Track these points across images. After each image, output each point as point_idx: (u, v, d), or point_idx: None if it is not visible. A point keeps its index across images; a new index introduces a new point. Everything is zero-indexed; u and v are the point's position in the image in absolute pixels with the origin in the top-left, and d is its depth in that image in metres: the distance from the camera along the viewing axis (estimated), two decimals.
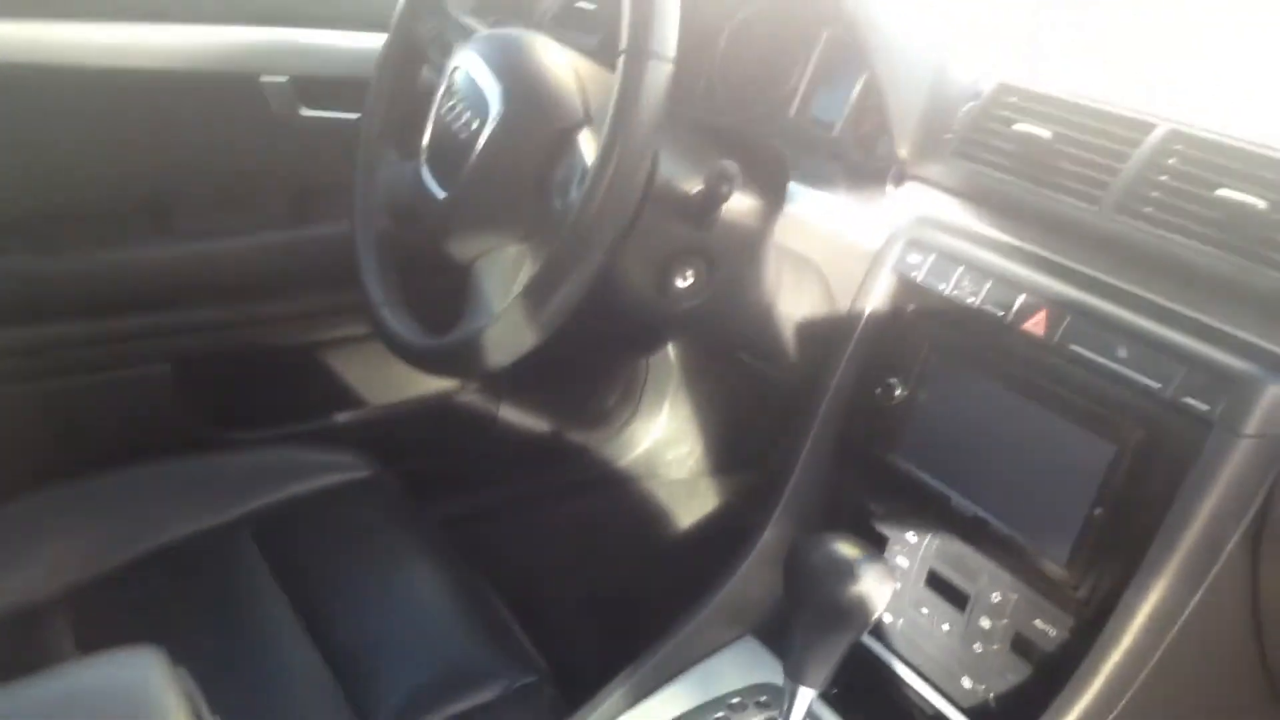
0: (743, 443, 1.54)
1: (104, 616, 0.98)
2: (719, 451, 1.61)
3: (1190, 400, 0.67)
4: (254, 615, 1.00)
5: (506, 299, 0.83)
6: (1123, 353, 0.70)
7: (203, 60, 1.13)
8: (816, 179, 0.97)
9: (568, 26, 1.20)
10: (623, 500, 1.60)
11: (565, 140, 0.85)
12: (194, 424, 1.27)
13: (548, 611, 1.23)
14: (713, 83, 1.13)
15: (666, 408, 1.66)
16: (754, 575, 0.91)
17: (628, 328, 1.20)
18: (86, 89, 1.09)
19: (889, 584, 0.75)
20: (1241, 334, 0.68)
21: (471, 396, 1.46)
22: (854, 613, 0.73)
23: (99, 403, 1.21)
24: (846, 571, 0.74)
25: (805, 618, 0.75)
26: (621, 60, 0.74)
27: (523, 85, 0.87)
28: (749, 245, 0.96)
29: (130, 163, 1.15)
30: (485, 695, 0.93)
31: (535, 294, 0.80)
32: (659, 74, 0.73)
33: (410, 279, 1.01)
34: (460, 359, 0.87)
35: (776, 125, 1.06)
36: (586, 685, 0.92)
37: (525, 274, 0.85)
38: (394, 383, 1.38)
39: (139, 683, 0.54)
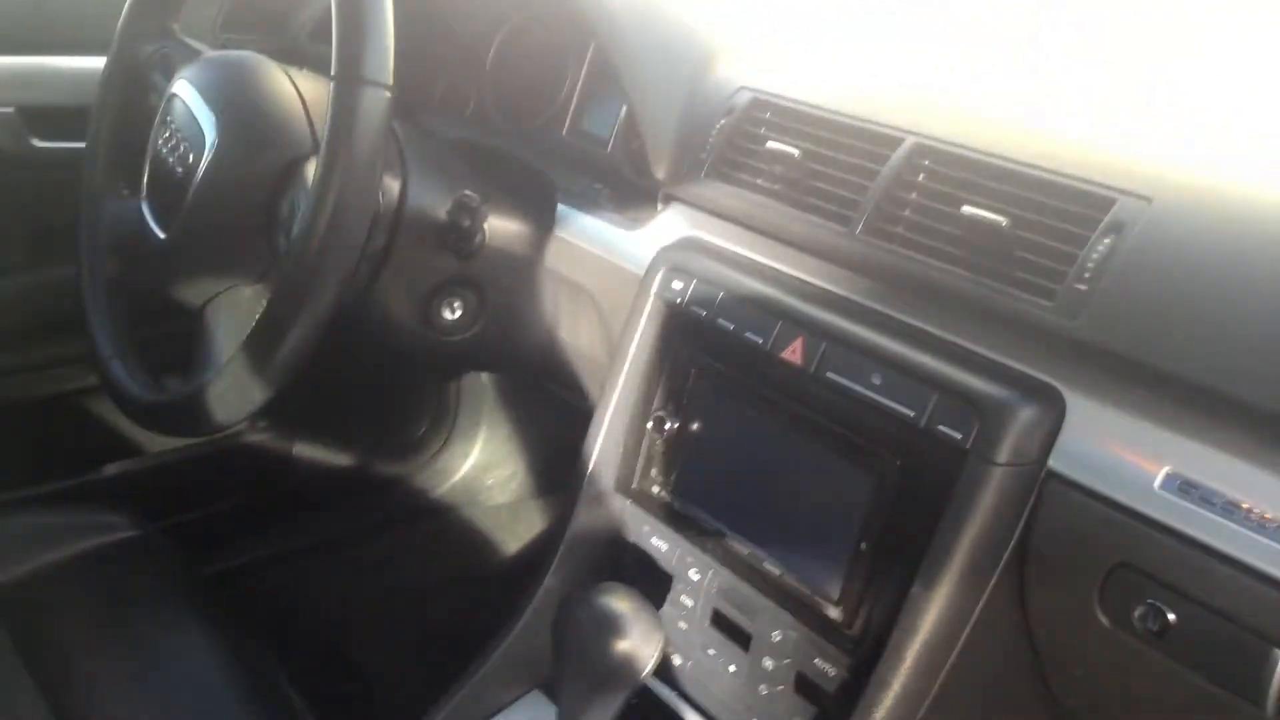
0: (564, 464, 1.49)
1: None
2: (542, 473, 1.55)
3: (944, 429, 0.64)
4: None
5: (233, 348, 0.75)
6: (877, 380, 0.67)
7: None
8: (586, 201, 0.92)
9: (326, 42, 1.12)
10: (442, 531, 1.53)
11: (292, 172, 0.77)
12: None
13: (348, 668, 1.16)
14: (484, 101, 1.07)
15: (483, 431, 1.60)
16: (538, 626, 0.85)
17: (402, 362, 1.13)
18: None
19: (657, 637, 0.71)
20: (993, 356, 0.66)
21: (258, 436, 1.36)
22: (622, 671, 0.68)
23: None
24: (612, 628, 0.69)
25: (572, 678, 0.70)
26: (332, 87, 0.68)
27: (239, 114, 0.79)
28: (518, 272, 0.90)
29: None
30: None
31: (259, 345, 0.72)
32: (374, 101, 0.67)
33: (144, 325, 0.91)
34: (186, 417, 0.78)
35: (549, 144, 1.01)
36: None
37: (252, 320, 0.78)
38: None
39: None
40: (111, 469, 1.24)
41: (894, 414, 0.66)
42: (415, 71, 1.07)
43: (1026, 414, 0.62)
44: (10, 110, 1.06)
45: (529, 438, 1.54)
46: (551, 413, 1.44)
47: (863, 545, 0.69)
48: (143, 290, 0.87)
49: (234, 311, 0.80)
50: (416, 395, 1.53)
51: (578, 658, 0.70)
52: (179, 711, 0.91)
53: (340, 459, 1.47)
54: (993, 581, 0.65)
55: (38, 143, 1.08)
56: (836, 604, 0.71)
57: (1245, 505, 0.54)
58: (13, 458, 1.20)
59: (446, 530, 1.52)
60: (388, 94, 0.67)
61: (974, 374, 0.64)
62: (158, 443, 1.27)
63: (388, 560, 1.45)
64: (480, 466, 1.60)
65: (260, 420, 1.36)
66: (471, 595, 1.35)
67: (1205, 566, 0.55)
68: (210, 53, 0.86)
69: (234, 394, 0.74)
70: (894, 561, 0.67)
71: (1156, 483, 0.57)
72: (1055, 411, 0.62)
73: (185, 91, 0.81)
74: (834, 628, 0.72)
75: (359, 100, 0.66)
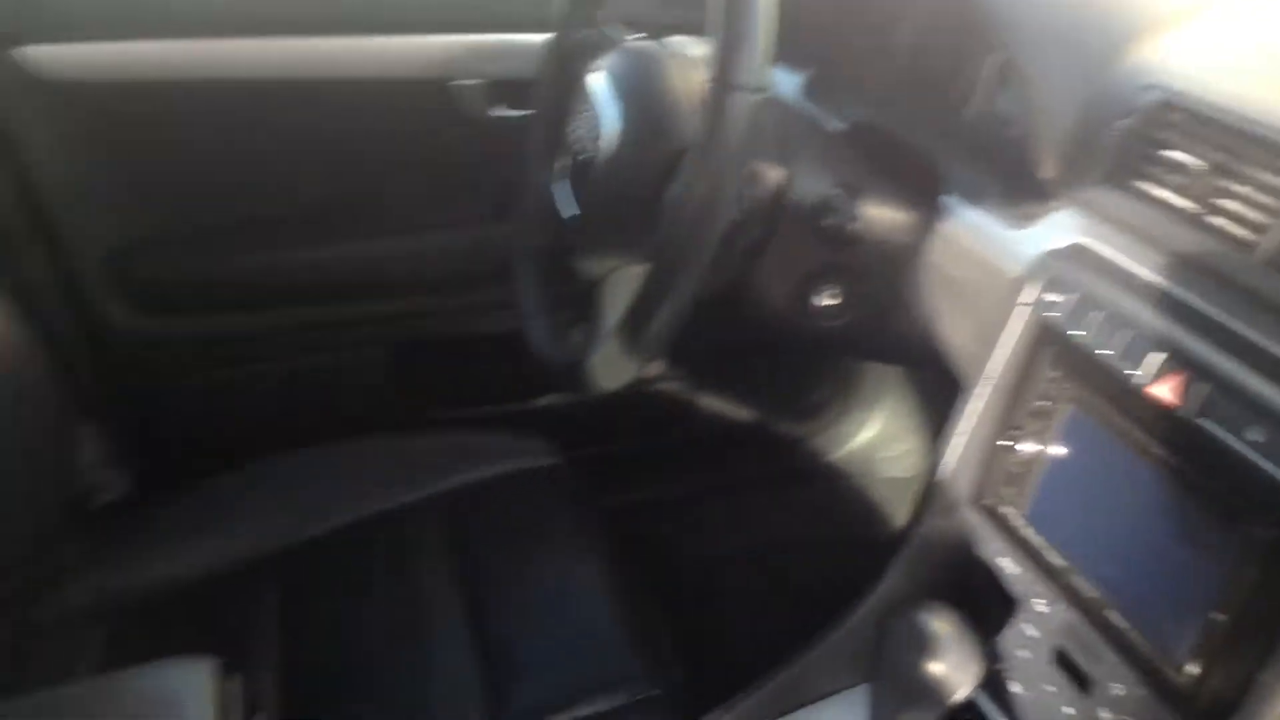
0: None
1: (307, 578, 1.09)
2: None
3: None
4: (423, 588, 1.07)
5: (615, 322, 0.83)
6: (1260, 436, 0.59)
7: (400, 68, 1.20)
8: (972, 194, 0.88)
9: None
10: (828, 495, 1.56)
11: (679, 162, 0.82)
12: (406, 403, 1.37)
13: (716, 608, 1.23)
14: (888, 80, 1.05)
15: (885, 403, 1.59)
16: (870, 622, 0.86)
17: (778, 340, 1.15)
18: (304, 99, 1.19)
19: (974, 668, 0.69)
20: None
21: (669, 385, 1.47)
22: (932, 693, 0.68)
23: (319, 382, 1.33)
24: (930, 649, 0.68)
25: (885, 689, 0.70)
26: (709, 90, 0.71)
27: (641, 104, 0.85)
28: (893, 263, 0.89)
29: (346, 165, 1.25)
30: (608, 703, 0.95)
31: (632, 322, 0.79)
32: (744, 105, 0.69)
33: (562, 284, 1.02)
34: (577, 378, 0.88)
35: (949, 128, 0.97)
36: (715, 700, 0.91)
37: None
38: None
39: (179, 693, 0.60)
40: (538, 402, 1.41)
41: (1274, 480, 0.57)
42: (825, 48, 1.08)
43: None
44: (474, 82, 1.23)
45: (931, 418, 1.51)
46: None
47: (1219, 615, 0.61)
48: (556, 258, 0.97)
49: (623, 288, 0.88)
50: (818, 360, 1.56)
51: (892, 670, 0.70)
52: (562, 621, 1.03)
53: (739, 413, 1.54)
54: None
55: (495, 111, 1.24)
56: (1184, 670, 0.64)
57: None
58: (458, 383, 1.41)
59: (833, 495, 1.54)
60: (759, 97, 0.70)
61: None
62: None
63: (770, 515, 1.51)
64: (878, 438, 1.60)
65: (672, 369, 1.47)
66: (845, 563, 1.38)
67: None
68: (625, 43, 0.93)
69: (613, 364, 0.81)
70: (1254, 638, 0.59)
71: None
72: None
73: (599, 79, 0.89)
74: (1180, 695, 0.65)
75: (730, 104, 0.69)
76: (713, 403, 1.51)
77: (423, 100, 1.24)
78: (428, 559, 1.10)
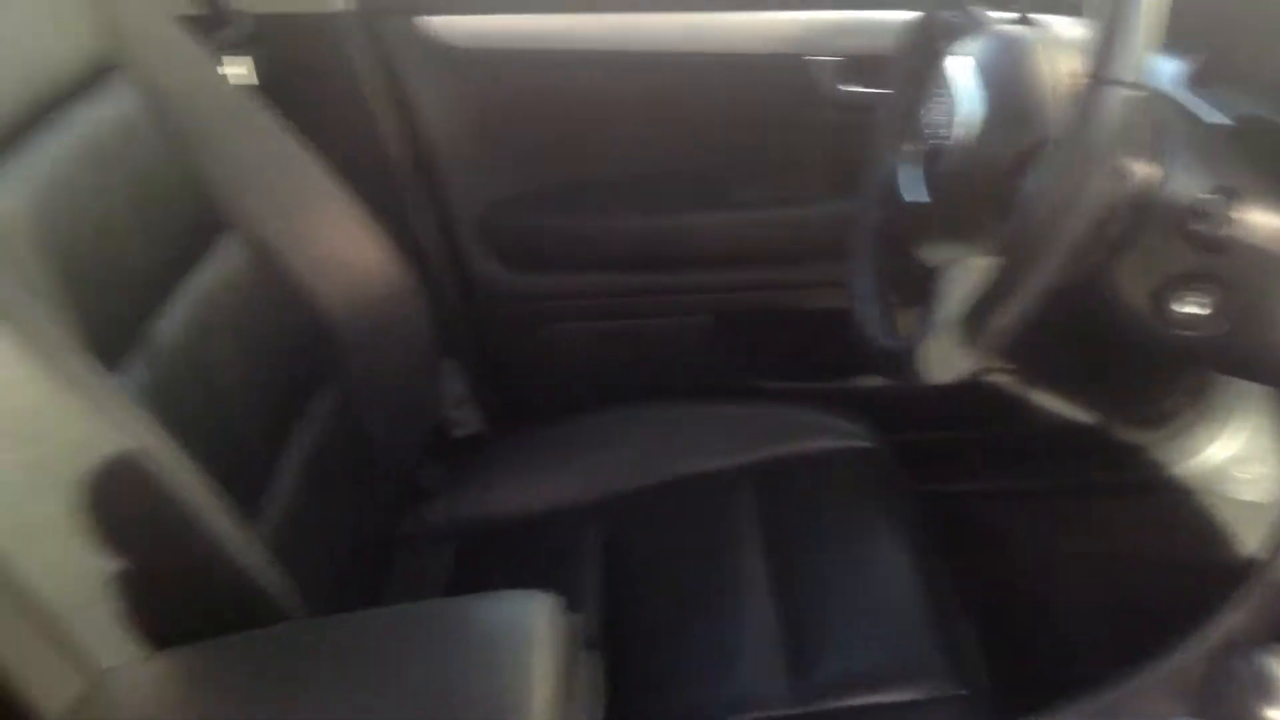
0: None
1: (624, 528, 1.16)
2: None
3: None
4: (732, 554, 1.11)
5: (956, 313, 0.82)
6: None
7: (754, 43, 1.23)
8: None
9: None
10: (1166, 509, 1.44)
11: (1037, 153, 0.79)
12: (727, 372, 1.41)
13: (1021, 617, 1.19)
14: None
15: (1243, 418, 1.45)
16: (1204, 654, 0.80)
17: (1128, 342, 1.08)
18: (660, 72, 1.26)
19: None
20: None
21: (1001, 377, 1.42)
22: None
23: (649, 344, 1.40)
24: (1273, 696, 0.63)
25: None
26: (1084, 83, 0.68)
27: (1004, 94, 0.82)
28: (1273, 273, 0.81)
29: (691, 136, 1.30)
30: (912, 694, 0.95)
31: (972, 317, 0.77)
32: (1116, 101, 0.66)
33: (896, 269, 1.02)
34: (904, 367, 0.87)
35: None
36: (1018, 711, 0.89)
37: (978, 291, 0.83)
38: None
39: (517, 623, 0.67)
40: (857, 382, 1.41)
41: None
42: (1216, 33, 0.99)
43: None
44: (828, 58, 1.24)
45: None
46: None
47: None
48: (896, 242, 0.97)
49: (964, 278, 0.86)
50: (1171, 366, 1.44)
51: (1225, 713, 0.65)
52: (869, 603, 1.03)
53: (1076, 412, 1.46)
54: None
55: (843, 87, 1.25)
56: None
57: None
58: (777, 357, 1.43)
59: (1172, 510, 1.43)
60: (1137, 95, 0.66)
61: None
62: None
63: (1100, 523, 1.42)
64: (1232, 456, 1.46)
65: (1007, 360, 1.42)
66: (1180, 585, 1.28)
67: None
68: (994, 26, 0.90)
69: (947, 356, 0.81)
70: None
71: None
72: None
73: (962, 63, 0.87)
74: None
75: (1103, 100, 0.66)
76: (1048, 399, 1.44)
77: (771, 75, 1.26)
78: (738, 526, 1.14)
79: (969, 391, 1.41)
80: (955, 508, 1.28)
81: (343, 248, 1.14)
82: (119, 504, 0.71)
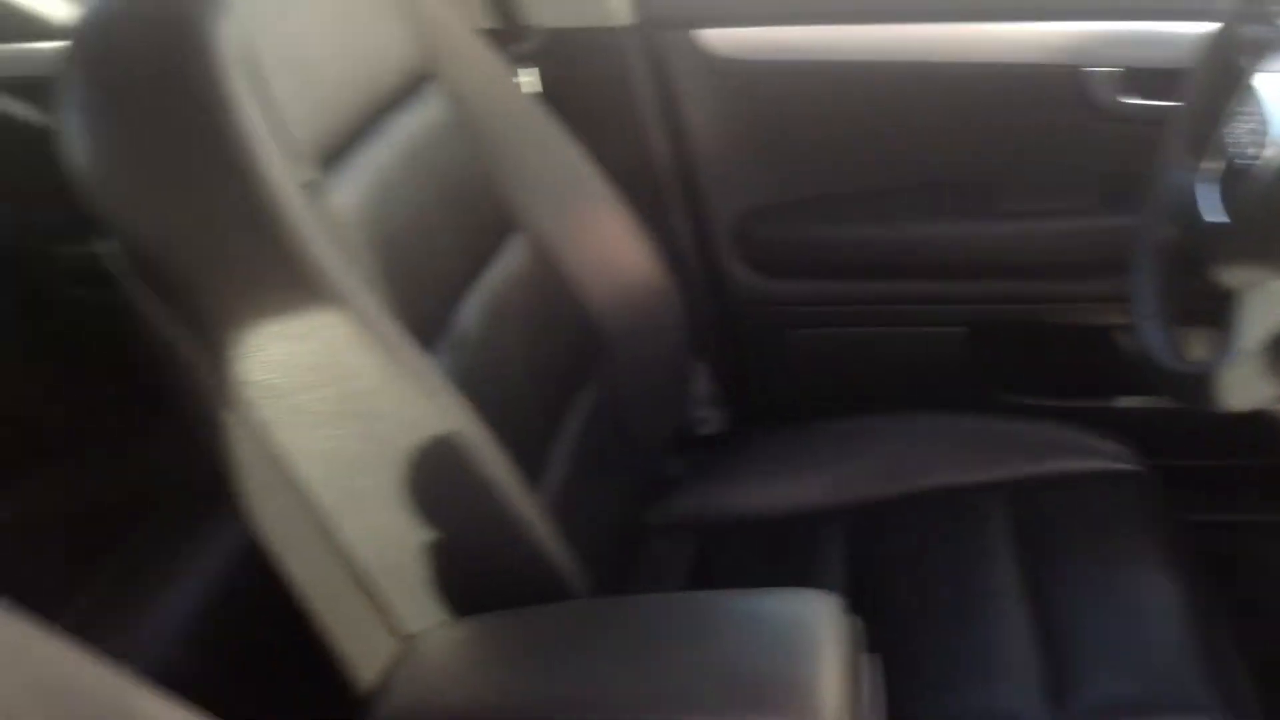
0: None
1: (868, 535, 1.16)
2: None
3: None
4: (983, 570, 1.09)
5: (1260, 340, 0.78)
6: None
7: (1031, 54, 1.21)
8: None
9: None
10: None
11: None
12: (978, 385, 1.39)
13: None
14: None
15: None
16: None
17: None
18: (928, 82, 1.25)
19: None
20: None
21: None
22: None
23: (898, 354, 1.40)
24: None
25: None
26: None
27: None
28: None
29: (954, 147, 1.29)
30: None
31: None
32: None
33: (1184, 288, 0.98)
34: (1197, 392, 0.84)
35: None
36: None
37: None
38: None
39: (804, 619, 0.69)
40: (1118, 403, 1.36)
41: None
42: None
43: None
44: (1115, 70, 1.20)
45: None
46: None
47: None
48: (1186, 261, 0.93)
49: (1269, 303, 0.82)
50: None
51: None
52: (1131, 629, 0.99)
53: None
54: None
55: (1124, 99, 1.20)
56: None
57: None
58: (1033, 372, 1.39)
59: None
60: None
61: None
62: None
63: None
64: None
65: None
66: None
67: None
68: None
69: (1248, 383, 0.77)
70: None
71: None
72: None
73: (1270, 81, 0.83)
74: None
75: None
76: None
77: (1043, 85, 1.24)
78: (989, 542, 1.12)
79: (1248, 418, 1.34)
80: (1228, 539, 1.21)
81: (612, 251, 1.20)
82: (438, 479, 0.78)
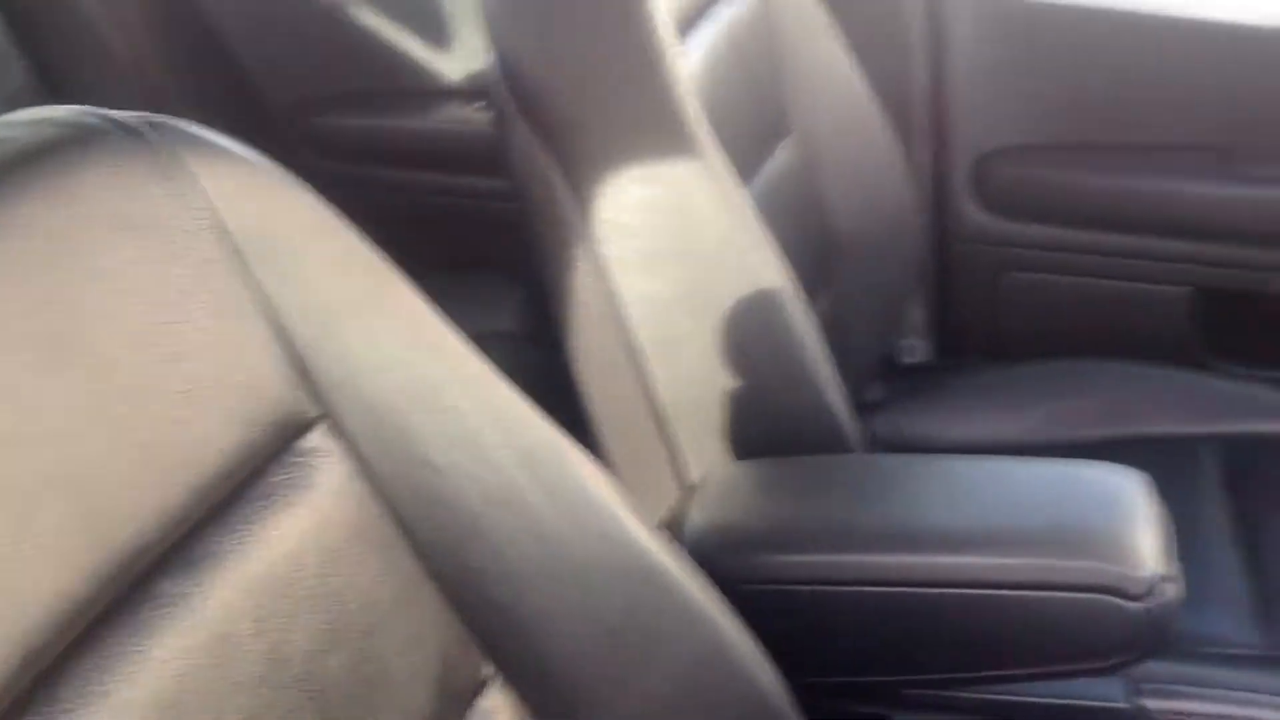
0: None
1: None
2: None
3: None
4: (1194, 513, 1.11)
5: None
6: None
7: None
8: None
9: None
10: None
11: None
12: (1196, 347, 1.41)
13: None
14: None
15: None
16: None
17: None
18: (1187, 39, 1.27)
19: None
20: None
21: None
22: None
23: (1117, 308, 1.42)
24: None
25: None
26: None
27: None
28: None
29: (1209, 107, 1.30)
30: None
31: None
32: None
33: None
34: None
35: None
36: None
37: None
38: None
39: (1122, 485, 0.73)
40: None
41: None
42: None
43: None
44: None
45: None
46: None
47: None
48: None
49: None
50: None
51: None
52: None
53: None
54: None
55: None
56: None
57: None
58: (1263, 341, 1.40)
59: None
60: None
61: None
62: None
63: None
64: None
65: None
66: None
67: None
68: None
69: None
70: None
71: None
72: None
73: None
74: None
75: None
76: None
77: None
78: (1201, 487, 1.15)
79: None
80: None
81: (864, 166, 1.25)
82: (749, 325, 0.85)
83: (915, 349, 1.50)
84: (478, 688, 0.52)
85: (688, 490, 0.87)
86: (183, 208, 0.46)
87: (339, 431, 0.49)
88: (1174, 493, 1.14)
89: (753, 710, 0.60)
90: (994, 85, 1.36)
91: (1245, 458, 1.18)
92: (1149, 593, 0.67)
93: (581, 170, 0.80)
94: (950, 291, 1.49)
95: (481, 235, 1.25)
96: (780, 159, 1.14)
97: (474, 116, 1.49)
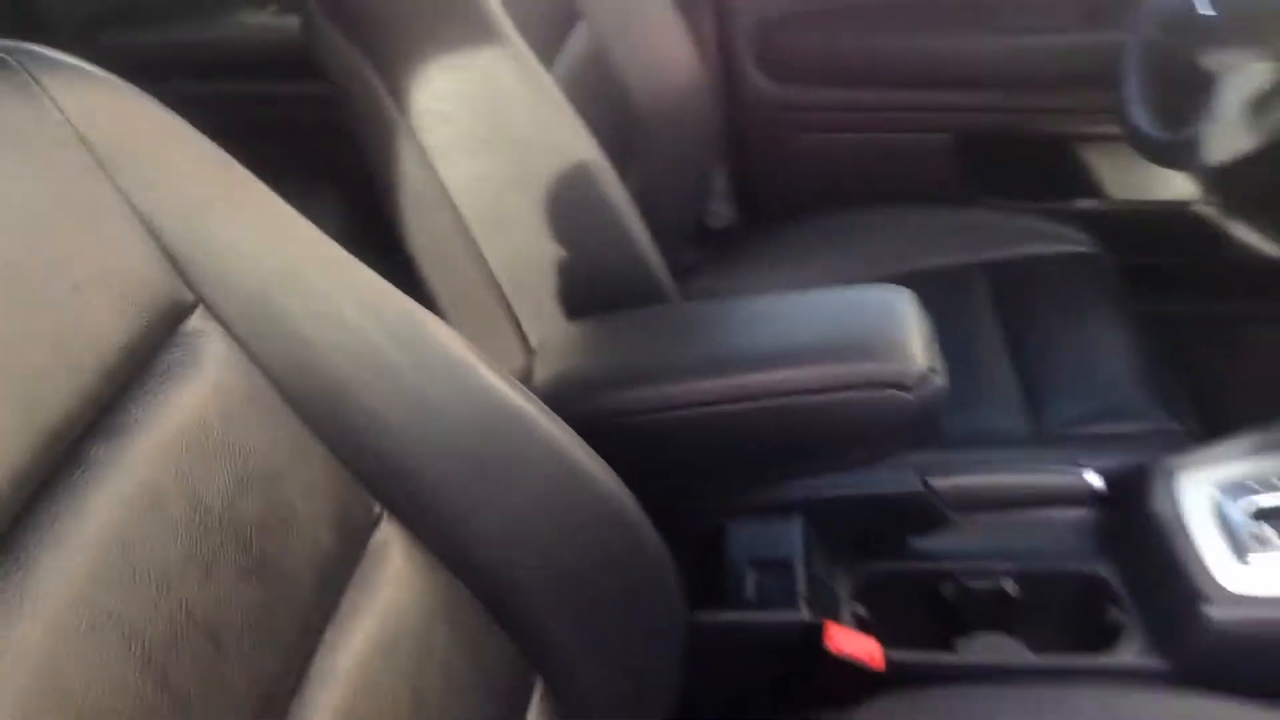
0: None
1: None
2: None
3: None
4: (969, 332, 1.29)
5: (1237, 106, 0.97)
6: None
7: None
8: None
9: None
10: None
11: None
12: (962, 186, 1.58)
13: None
14: None
15: None
16: None
17: None
18: None
19: None
20: None
21: (1207, 210, 1.55)
22: None
23: (892, 157, 1.57)
24: None
25: None
26: None
27: None
28: None
29: None
30: (1133, 427, 1.12)
31: (1258, 101, 0.93)
32: None
33: (1165, 84, 1.16)
34: (1181, 151, 1.03)
35: None
36: None
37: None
38: (1132, 182, 1.54)
39: (894, 300, 0.87)
40: (1084, 203, 1.57)
41: None
42: None
43: None
44: None
45: None
46: None
47: None
48: (1175, 55, 1.11)
49: (1246, 77, 1.01)
50: None
51: None
52: (1092, 364, 1.20)
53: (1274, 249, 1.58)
54: None
55: None
56: None
57: None
58: (1017, 177, 1.58)
59: None
60: None
61: None
62: (1123, 191, 1.55)
63: None
64: None
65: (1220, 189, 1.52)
66: None
67: None
68: None
69: (1228, 136, 0.97)
70: None
71: None
72: None
73: None
74: None
75: None
76: (1247, 235, 1.56)
77: None
78: (975, 308, 1.32)
79: (1180, 217, 1.55)
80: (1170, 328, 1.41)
81: (656, 46, 1.33)
82: (570, 197, 0.93)
83: (721, 214, 1.62)
84: (371, 525, 0.60)
85: (530, 354, 0.96)
86: (45, 125, 0.50)
87: (215, 315, 0.55)
88: (952, 314, 1.31)
89: (610, 523, 0.70)
90: None
91: (1011, 279, 1.36)
92: (919, 384, 0.81)
93: (394, 65, 0.86)
94: (746, 157, 1.61)
95: (302, 142, 1.27)
96: (576, 42, 1.21)
97: (275, 23, 1.49)
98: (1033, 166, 1.58)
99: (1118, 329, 1.26)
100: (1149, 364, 1.21)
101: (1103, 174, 1.58)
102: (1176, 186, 1.55)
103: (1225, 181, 1.53)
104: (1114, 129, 1.49)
